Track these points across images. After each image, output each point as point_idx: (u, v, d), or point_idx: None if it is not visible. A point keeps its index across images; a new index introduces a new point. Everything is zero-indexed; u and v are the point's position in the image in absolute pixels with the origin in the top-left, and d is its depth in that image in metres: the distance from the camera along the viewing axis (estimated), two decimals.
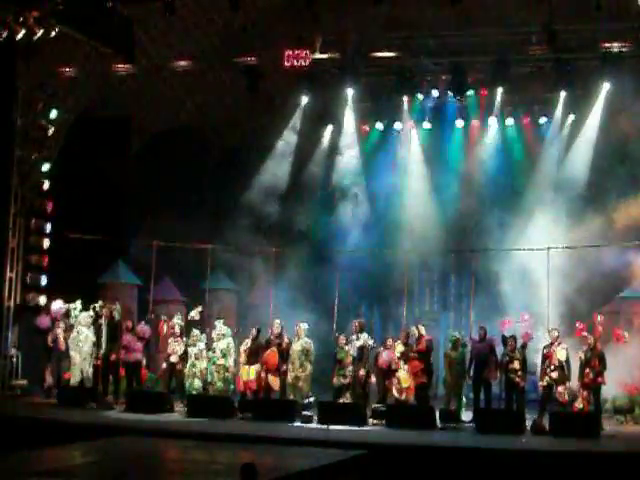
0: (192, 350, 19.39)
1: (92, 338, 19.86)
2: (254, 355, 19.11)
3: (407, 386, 18.40)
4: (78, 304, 20.10)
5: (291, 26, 21.79)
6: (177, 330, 19.80)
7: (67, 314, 20.57)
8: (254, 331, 19.45)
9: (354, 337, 19.02)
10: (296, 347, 19.01)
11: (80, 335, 19.81)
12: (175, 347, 19.61)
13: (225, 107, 24.60)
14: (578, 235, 21.06)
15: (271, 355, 18.98)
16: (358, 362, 18.83)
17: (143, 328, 20.13)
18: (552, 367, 17.66)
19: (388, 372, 18.78)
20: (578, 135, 22.91)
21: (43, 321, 20.98)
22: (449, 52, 21.21)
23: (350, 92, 22.91)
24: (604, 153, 22.45)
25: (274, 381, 18.98)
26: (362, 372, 18.75)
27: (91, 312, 19.99)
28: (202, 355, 19.33)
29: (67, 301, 20.74)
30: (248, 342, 19.30)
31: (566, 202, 22.25)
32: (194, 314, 20.43)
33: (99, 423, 17.02)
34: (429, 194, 23.98)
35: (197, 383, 19.23)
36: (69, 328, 20.34)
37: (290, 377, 19.02)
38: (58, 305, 20.87)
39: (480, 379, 18.49)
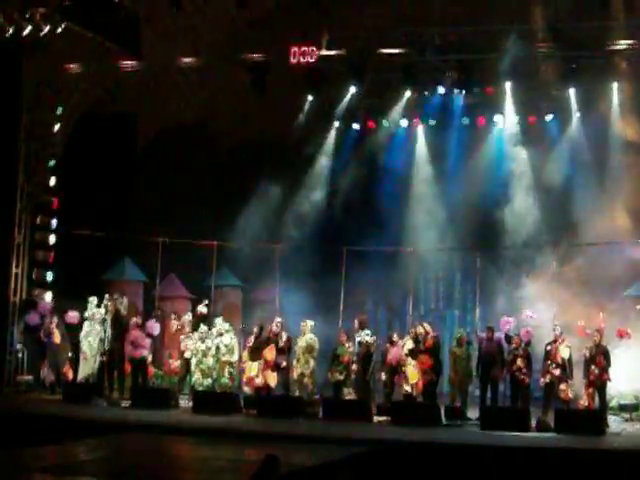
0: (200, 346, 19.40)
1: (101, 334, 19.87)
2: (256, 352, 19.15)
3: (415, 382, 18.44)
4: (94, 300, 20.09)
5: (297, 22, 21.78)
6: (187, 327, 19.86)
7: (54, 310, 20.72)
8: (257, 328, 19.52)
9: (355, 334, 19.04)
10: (301, 344, 19.07)
11: (93, 331, 19.81)
12: (188, 343, 19.64)
13: (231, 104, 24.58)
14: (587, 232, 21.05)
15: (268, 352, 19.03)
16: (357, 358, 18.87)
17: (153, 325, 20.14)
18: (555, 364, 17.66)
19: (396, 368, 18.83)
20: (586, 132, 22.90)
21: (32, 318, 21.03)
22: (455, 49, 21.15)
23: (356, 88, 22.90)
24: (611, 151, 22.44)
25: (271, 377, 19.02)
26: (354, 367, 18.77)
27: (102, 308, 20.00)
28: (210, 352, 19.35)
29: (66, 297, 20.84)
30: (251, 339, 19.35)
31: (570, 200, 22.25)
32: (201, 308, 20.49)
33: (104, 419, 17.04)
34: (434, 191, 23.96)
35: (204, 380, 19.24)
36: (60, 324, 20.42)
37: (295, 374, 19.09)
38: (45, 301, 20.94)
39: (487, 377, 18.49)
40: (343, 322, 20.60)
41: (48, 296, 21.61)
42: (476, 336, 19.29)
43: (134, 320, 20.07)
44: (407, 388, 18.53)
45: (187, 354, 19.61)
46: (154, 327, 20.06)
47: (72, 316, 20.31)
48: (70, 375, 20.24)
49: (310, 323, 19.34)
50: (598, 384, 17.51)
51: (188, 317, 20.14)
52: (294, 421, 17.65)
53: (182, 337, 19.83)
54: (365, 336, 19.01)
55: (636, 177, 21.62)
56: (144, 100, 23.73)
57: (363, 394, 18.81)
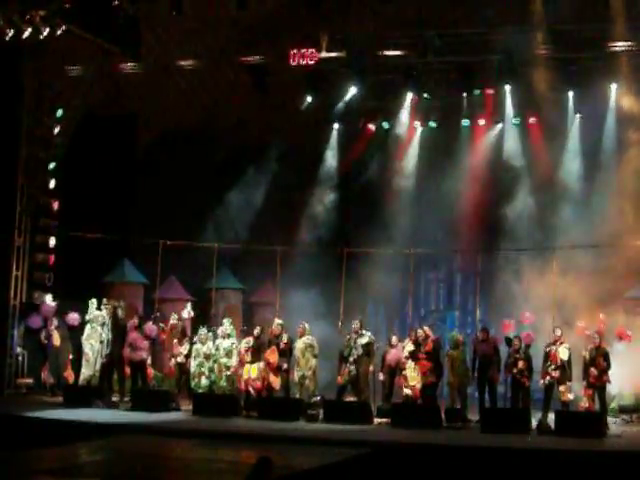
0: (201, 349, 19.36)
1: (102, 336, 19.85)
2: (256, 354, 19.14)
3: (414, 384, 18.42)
4: (95, 302, 20.09)
5: (297, 25, 21.79)
6: (179, 330, 19.85)
7: (58, 312, 20.69)
8: (257, 330, 19.51)
9: (355, 335, 19.02)
10: (299, 345, 19.06)
11: (94, 333, 19.80)
12: (179, 347, 19.63)
13: (231, 106, 24.59)
14: (588, 233, 21.07)
15: (270, 354, 19.03)
16: (366, 358, 18.85)
17: (151, 327, 20.14)
18: (554, 366, 17.67)
19: (395, 370, 18.83)
20: (585, 133, 22.94)
21: (35, 320, 21.03)
22: (455, 51, 21.19)
23: (356, 90, 22.90)
24: (611, 151, 22.48)
25: (275, 381, 19.01)
26: (371, 368, 18.80)
27: (103, 311, 19.99)
28: (210, 354, 19.33)
29: (64, 299, 20.86)
30: (250, 340, 19.30)
31: (574, 202, 22.27)
32: (185, 314, 20.54)
33: (105, 422, 17.02)
34: (434, 192, 23.96)
35: (204, 382, 19.23)
36: (61, 325, 20.47)
37: (296, 376, 19.06)
38: (49, 303, 20.93)
39: (485, 379, 18.48)
40: (343, 324, 20.58)
41: (48, 298, 21.59)
42: (474, 337, 19.30)
43: (131, 322, 20.06)
44: (407, 391, 18.51)
45: (179, 358, 19.60)
46: (152, 329, 20.04)
47: (72, 318, 20.30)
48: (71, 378, 20.20)
49: (307, 325, 19.35)
50: (598, 386, 17.51)
51: (174, 320, 20.12)
52: (295, 423, 17.67)
53: (175, 341, 19.82)
54: (368, 336, 19.01)
55: (637, 177, 21.64)
56: (145, 102, 23.75)
57: (364, 394, 18.81)
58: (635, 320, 20.13)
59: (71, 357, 20.33)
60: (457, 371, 18.56)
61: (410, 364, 18.54)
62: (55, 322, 20.62)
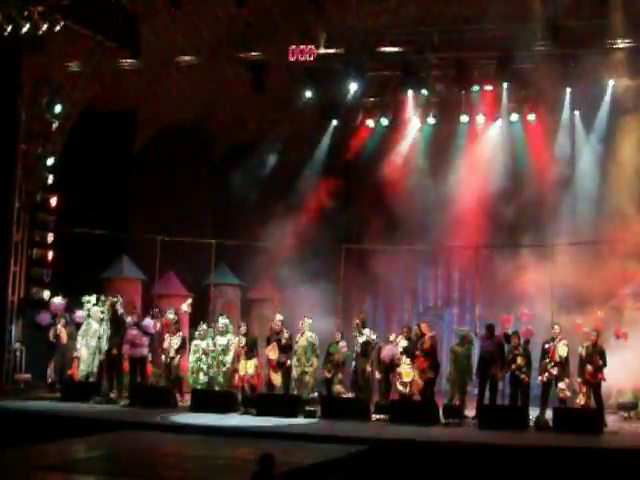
0: (200, 344, 19.37)
1: (100, 333, 19.83)
2: (250, 350, 19.14)
3: (409, 380, 18.39)
4: (93, 298, 20.06)
5: (296, 21, 21.80)
6: (172, 325, 19.85)
7: (67, 309, 20.67)
8: (243, 327, 19.52)
9: (356, 333, 19.04)
10: (301, 342, 19.08)
11: (90, 329, 19.78)
12: (172, 342, 19.63)
13: (230, 102, 24.59)
14: (587, 229, 21.09)
15: (271, 350, 19.03)
16: (363, 357, 18.86)
17: (148, 323, 20.13)
18: (552, 363, 17.68)
19: (390, 366, 18.83)
20: (584, 129, 22.98)
21: (43, 317, 21.00)
22: (454, 47, 21.19)
23: (354, 87, 22.90)
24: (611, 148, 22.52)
25: (275, 378, 19.04)
26: (368, 368, 18.80)
27: (102, 307, 19.96)
28: (209, 350, 19.33)
29: (67, 296, 20.82)
30: (242, 338, 19.30)
31: (572, 199, 22.28)
32: (185, 307, 20.52)
33: (103, 417, 17.02)
34: (433, 189, 23.96)
35: (202, 378, 19.24)
36: (69, 323, 20.42)
37: (296, 372, 19.08)
38: (58, 301, 20.91)
39: (486, 376, 18.46)
40: (341, 320, 20.59)
41: (55, 297, 21.49)
42: (478, 335, 19.30)
43: (130, 319, 20.05)
44: (400, 388, 18.48)
45: (170, 353, 19.60)
46: (149, 325, 20.03)
47: (79, 316, 20.27)
48: (76, 376, 20.16)
49: (308, 321, 19.35)
50: (593, 383, 17.52)
51: (171, 314, 20.12)
52: (293, 420, 17.68)
53: (166, 336, 19.82)
54: (366, 335, 19.02)
55: (636, 172, 21.68)
56: (143, 98, 23.73)
57: (364, 392, 18.81)
58: (635, 316, 20.14)
59: (74, 354, 20.29)
60: (459, 366, 18.55)
61: (405, 360, 18.53)
62: (63, 320, 20.58)
